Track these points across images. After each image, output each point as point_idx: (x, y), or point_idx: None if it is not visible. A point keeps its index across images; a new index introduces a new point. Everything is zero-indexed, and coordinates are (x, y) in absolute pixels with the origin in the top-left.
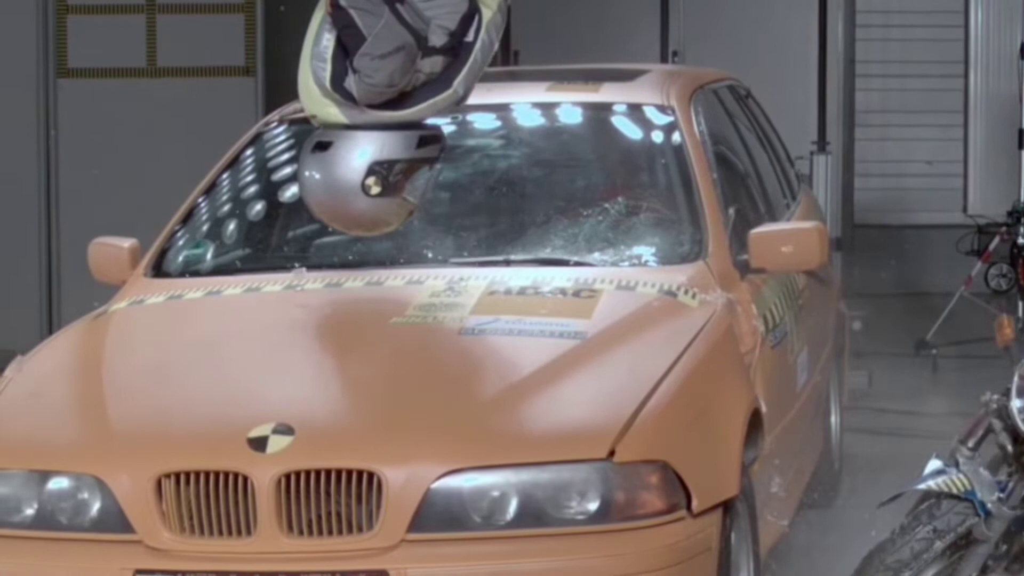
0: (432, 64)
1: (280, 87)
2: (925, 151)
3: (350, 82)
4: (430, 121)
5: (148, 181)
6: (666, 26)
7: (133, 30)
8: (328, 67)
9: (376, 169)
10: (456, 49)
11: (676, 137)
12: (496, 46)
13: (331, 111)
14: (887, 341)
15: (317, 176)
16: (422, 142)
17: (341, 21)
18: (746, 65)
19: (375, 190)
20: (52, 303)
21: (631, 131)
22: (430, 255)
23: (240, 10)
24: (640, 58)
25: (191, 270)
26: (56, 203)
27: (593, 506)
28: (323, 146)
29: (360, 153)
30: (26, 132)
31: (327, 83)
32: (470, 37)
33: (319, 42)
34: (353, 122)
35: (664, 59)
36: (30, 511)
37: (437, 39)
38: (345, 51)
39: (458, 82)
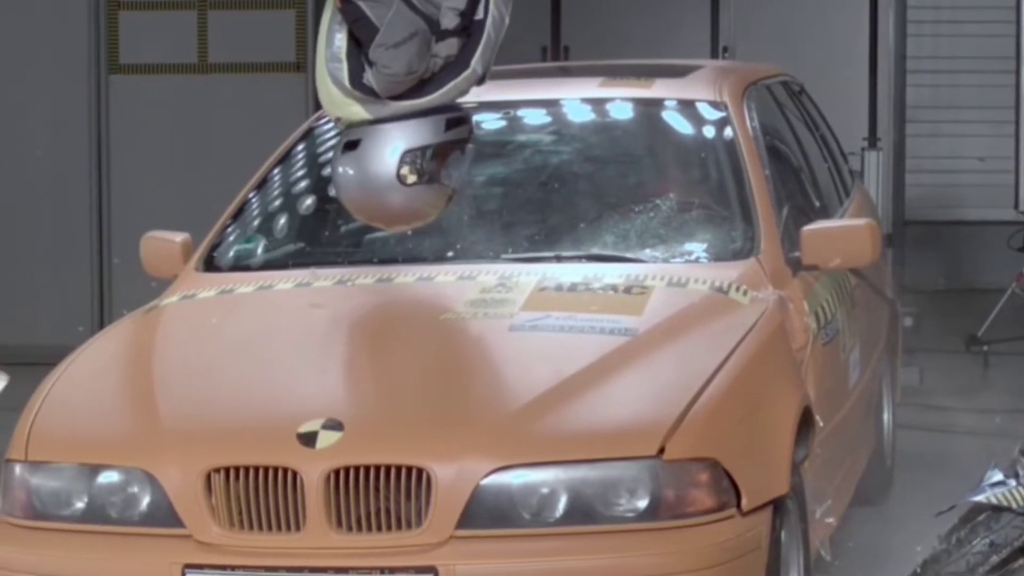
0: (448, 47)
1: None
2: (976, 147)
3: (368, 77)
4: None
5: (198, 177)
6: (716, 22)
7: (184, 26)
8: (344, 66)
9: (409, 158)
10: (469, 29)
11: (729, 133)
12: (507, 19)
13: (354, 109)
14: (938, 338)
15: (351, 175)
16: (450, 125)
17: (352, 15)
18: (796, 61)
19: (411, 179)
20: (103, 298)
21: (683, 127)
22: (481, 251)
23: (291, 6)
24: (690, 54)
25: (242, 265)
26: (108, 199)
27: (643, 504)
28: (352, 145)
29: (391, 146)
30: (78, 128)
31: (346, 82)
32: (480, 15)
33: (331, 43)
34: (378, 117)
35: (714, 55)
36: (80, 505)
37: (448, 21)
38: (359, 47)
39: (475, 61)
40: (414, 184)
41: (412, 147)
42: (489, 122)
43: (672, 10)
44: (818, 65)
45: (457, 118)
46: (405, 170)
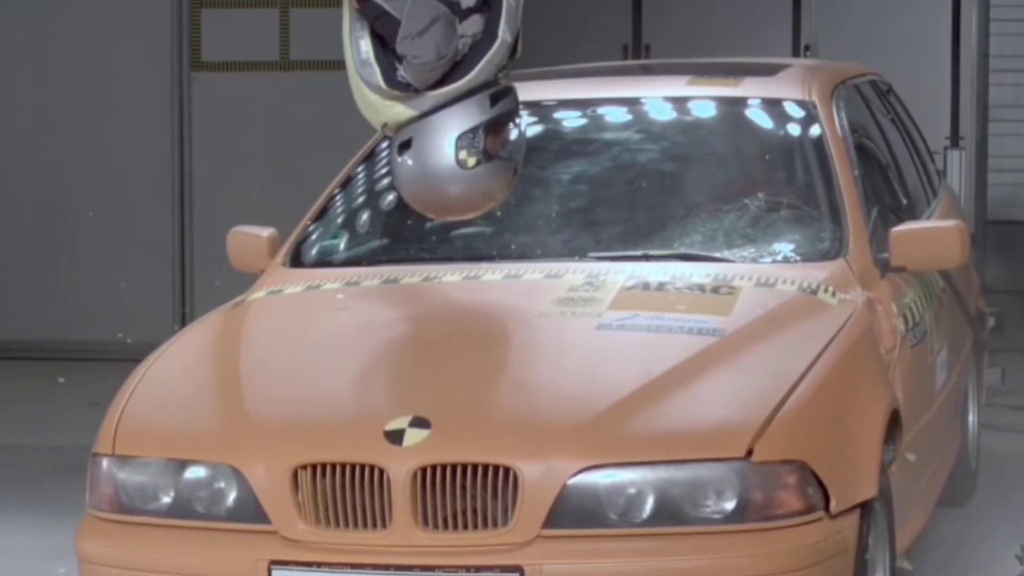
0: (472, 25)
1: None
2: None
3: (402, 73)
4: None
5: (279, 174)
6: (798, 19)
7: (266, 24)
8: (376, 69)
9: (464, 142)
10: (488, 2)
11: (817, 133)
12: None
13: (397, 110)
14: (1021, 338)
15: (413, 175)
16: (494, 100)
17: (371, 13)
18: (878, 59)
19: (471, 161)
20: (185, 295)
21: (772, 126)
22: (568, 249)
23: None
24: (771, 53)
25: (329, 260)
26: (189, 195)
27: (730, 505)
28: (406, 145)
29: (444, 135)
30: (160, 125)
31: (382, 83)
32: None
33: (358, 52)
34: (422, 111)
35: (796, 53)
36: (167, 499)
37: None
38: (384, 46)
39: (502, 31)
40: (475, 167)
41: (464, 131)
42: (576, 120)
43: (753, 8)
44: (900, 64)
45: (499, 92)
46: (463, 155)
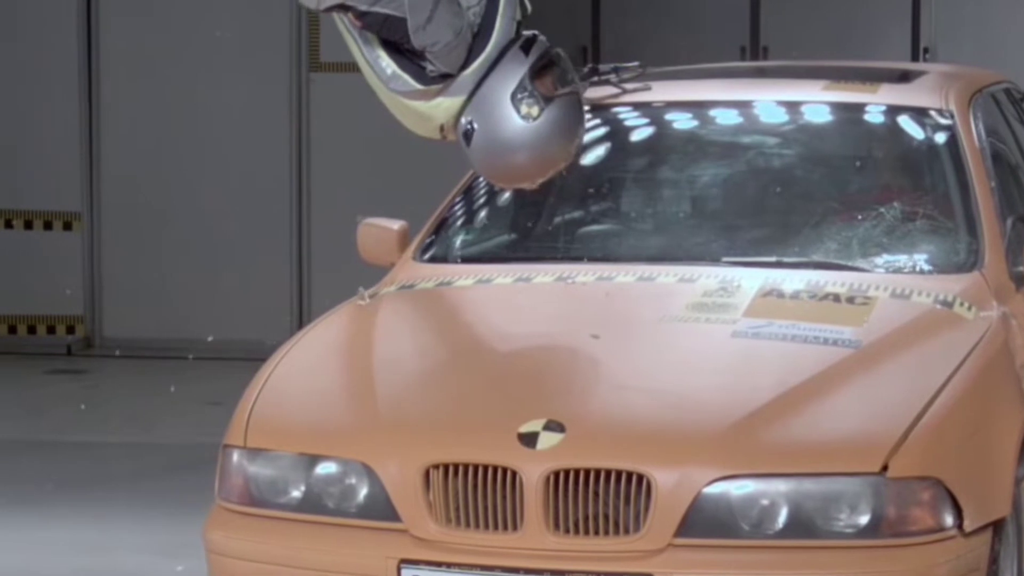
0: None
1: None
2: None
3: (430, 68)
4: None
5: (397, 173)
6: (917, 21)
7: None
8: (405, 76)
9: (518, 99)
10: None
11: (953, 142)
12: None
13: (445, 105)
14: None
15: (491, 154)
16: (526, 49)
17: (374, 24)
18: (999, 62)
19: (535, 111)
20: (303, 294)
21: (908, 134)
22: (701, 252)
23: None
24: (890, 55)
25: (460, 256)
26: (308, 196)
27: (863, 520)
28: (470, 131)
29: (498, 103)
30: (279, 125)
31: (417, 85)
32: None
33: (383, 72)
34: (467, 92)
35: (915, 54)
36: (297, 494)
37: None
38: (399, 51)
39: None
40: (541, 114)
41: (513, 89)
42: (712, 122)
43: (872, 10)
44: (1021, 66)
45: (527, 41)
46: (525, 109)
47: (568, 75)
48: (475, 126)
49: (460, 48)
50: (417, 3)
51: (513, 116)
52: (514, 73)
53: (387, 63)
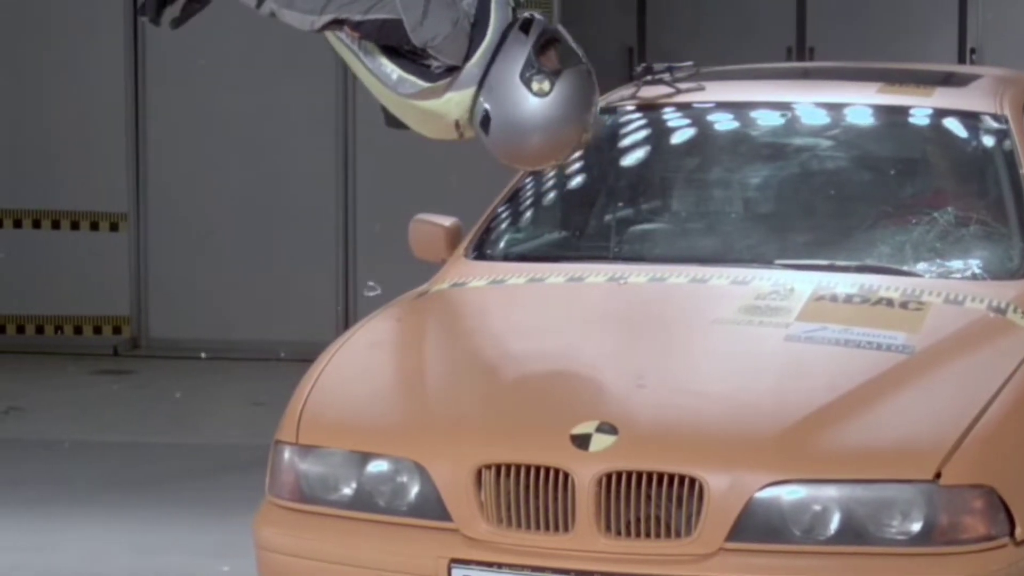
0: None
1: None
2: None
3: (435, 64)
4: None
5: (444, 172)
6: (964, 22)
7: None
8: (411, 78)
9: (526, 78)
10: None
11: (1008, 147)
12: None
13: (455, 100)
14: None
15: (510, 136)
16: (525, 29)
17: (372, 31)
18: None
19: (546, 86)
20: (348, 294)
21: (963, 139)
22: (754, 254)
23: (538, 5)
24: (937, 56)
25: (512, 254)
26: (353, 197)
27: (916, 527)
28: (487, 119)
29: (510, 87)
30: (325, 125)
31: (426, 84)
32: None
33: (388, 79)
34: (476, 81)
35: (961, 56)
36: (348, 491)
37: None
38: (401, 54)
39: None
40: (552, 88)
41: (520, 69)
42: (765, 122)
43: (918, 11)
44: None
45: (525, 20)
46: (536, 86)
47: (571, 48)
48: (490, 112)
49: (460, 38)
50: (410, 2)
51: (526, 94)
52: (519, 54)
53: (391, 68)
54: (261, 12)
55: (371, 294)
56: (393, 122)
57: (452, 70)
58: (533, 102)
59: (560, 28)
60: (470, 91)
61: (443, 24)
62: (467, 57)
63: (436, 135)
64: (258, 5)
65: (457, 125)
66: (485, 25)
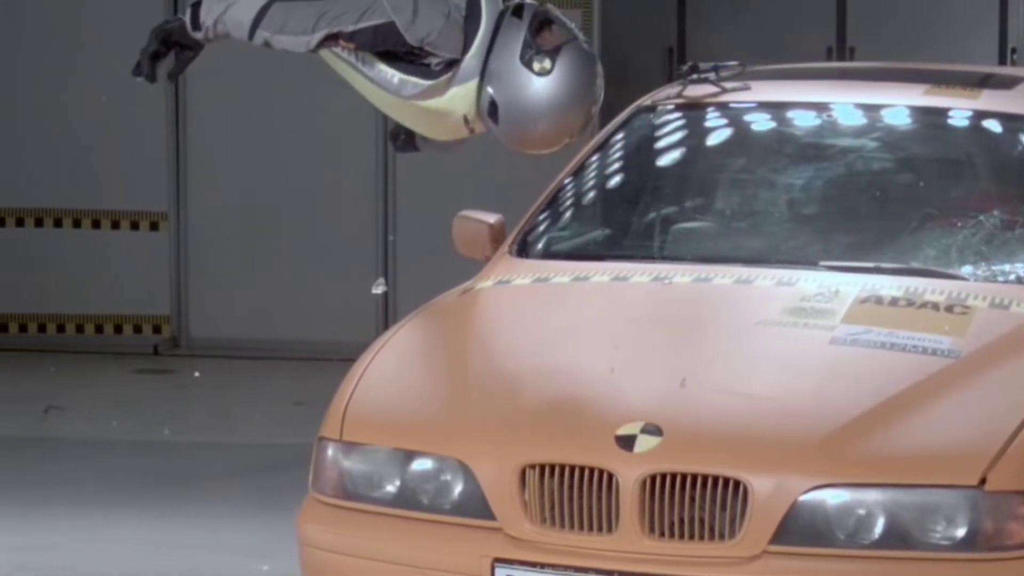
0: None
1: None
2: None
3: (434, 62)
4: None
5: (485, 171)
6: (1004, 22)
7: None
8: (413, 79)
9: (526, 60)
10: None
11: None
12: None
13: (459, 94)
14: None
15: (520, 120)
16: (518, 14)
17: (366, 39)
18: None
19: (547, 64)
20: (388, 294)
21: (1009, 141)
22: (799, 256)
23: (578, 5)
24: (978, 56)
25: (556, 252)
26: (393, 198)
27: (960, 533)
28: (494, 107)
29: (513, 73)
30: (365, 123)
31: (428, 83)
32: None
33: (388, 84)
34: (477, 73)
35: (1002, 57)
36: (391, 489)
37: None
38: (398, 57)
39: None
40: (553, 66)
41: (519, 52)
42: (811, 123)
43: (959, 11)
44: None
45: (517, 6)
46: (537, 67)
47: (566, 26)
48: (497, 99)
49: (455, 30)
50: (399, 3)
51: (529, 76)
52: (516, 38)
53: (391, 73)
54: (255, 43)
55: (378, 291)
56: (402, 147)
57: (451, 65)
58: (537, 82)
59: (551, 7)
60: (473, 83)
61: (435, 19)
62: (465, 49)
63: (448, 136)
64: (251, 37)
65: (466, 120)
66: (478, 16)
